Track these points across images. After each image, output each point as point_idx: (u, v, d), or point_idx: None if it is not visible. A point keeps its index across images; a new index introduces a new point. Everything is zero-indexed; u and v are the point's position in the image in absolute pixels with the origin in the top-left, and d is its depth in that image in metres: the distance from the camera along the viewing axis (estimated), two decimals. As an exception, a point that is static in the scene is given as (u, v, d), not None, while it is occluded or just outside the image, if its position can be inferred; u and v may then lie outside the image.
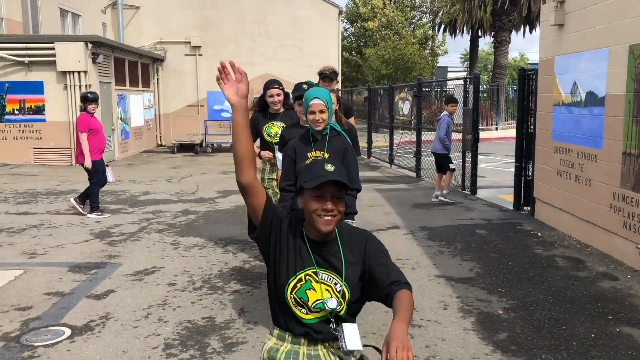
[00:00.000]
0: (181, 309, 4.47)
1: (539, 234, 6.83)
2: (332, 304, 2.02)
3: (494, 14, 25.59)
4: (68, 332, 4.05)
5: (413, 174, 11.98)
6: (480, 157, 9.94)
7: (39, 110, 13.82)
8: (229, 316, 4.33)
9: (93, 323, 4.21)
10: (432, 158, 9.47)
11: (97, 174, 7.89)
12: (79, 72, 13.48)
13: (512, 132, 11.38)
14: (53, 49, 13.42)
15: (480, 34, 30.58)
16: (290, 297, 2.04)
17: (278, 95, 5.12)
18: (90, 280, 5.17)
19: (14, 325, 4.16)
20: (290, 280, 2.03)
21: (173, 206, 8.64)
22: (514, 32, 27.46)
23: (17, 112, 13.85)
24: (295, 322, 2.08)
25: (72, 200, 8.16)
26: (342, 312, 2.05)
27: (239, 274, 5.34)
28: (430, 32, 30.72)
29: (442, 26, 32.58)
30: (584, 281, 5.10)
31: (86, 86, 13.54)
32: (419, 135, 11.85)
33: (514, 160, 8.48)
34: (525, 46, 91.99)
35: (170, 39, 18.96)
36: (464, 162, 9.83)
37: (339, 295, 2.03)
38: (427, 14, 31.19)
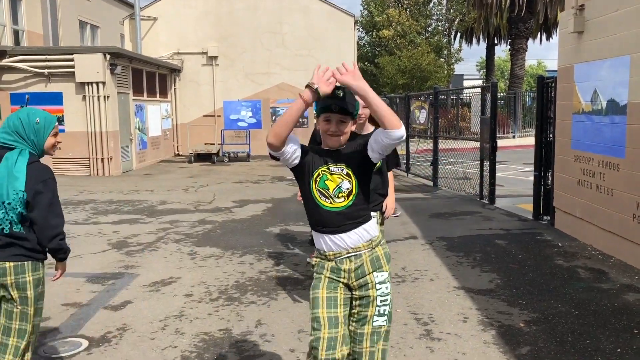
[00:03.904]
0: (198, 321, 4.45)
1: (560, 244, 6.72)
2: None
3: (510, 21, 25.45)
4: (85, 343, 4.05)
5: (430, 183, 11.89)
6: (498, 166, 9.83)
7: (58, 120, 13.92)
8: (245, 328, 4.30)
9: (110, 334, 4.20)
10: (449, 167, 9.38)
11: None
12: (97, 83, 13.64)
13: (530, 141, 11.22)
14: (72, 60, 13.59)
15: (496, 41, 30.42)
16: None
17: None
18: (108, 291, 5.18)
19: (32, 337, 4.17)
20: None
21: (190, 216, 8.65)
22: (530, 40, 27.26)
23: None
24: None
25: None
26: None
27: (255, 285, 5.31)
28: (444, 40, 30.62)
29: (458, 34, 32.47)
30: (608, 293, 4.98)
31: (104, 97, 13.69)
32: (435, 144, 11.78)
33: (532, 169, 8.37)
34: (542, 53, 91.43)
35: (187, 50, 19.12)
36: (482, 170, 9.74)
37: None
38: (443, 22, 31.10)
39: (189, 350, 3.92)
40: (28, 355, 2.97)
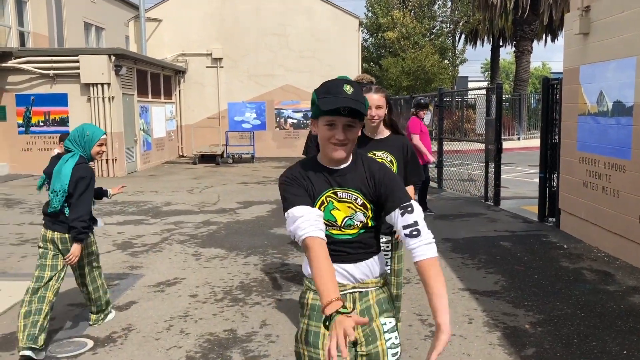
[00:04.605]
0: (203, 321, 4.45)
1: (565, 246, 6.70)
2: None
3: (515, 23, 25.41)
4: (90, 343, 4.05)
5: (435, 185, 11.87)
6: (502, 168, 9.81)
7: (63, 122, 14.04)
8: (250, 329, 4.30)
9: (115, 335, 4.20)
10: (454, 169, 9.38)
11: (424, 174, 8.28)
12: (102, 84, 13.68)
13: (535, 142, 11.16)
14: (77, 61, 13.65)
15: (501, 43, 30.39)
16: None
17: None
18: (113, 292, 5.18)
19: (37, 336, 4.17)
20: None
21: (194, 217, 8.66)
22: (535, 41, 27.22)
23: (42, 124, 14.09)
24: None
25: None
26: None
27: (260, 286, 5.31)
28: (449, 41, 30.59)
29: (463, 36, 32.46)
30: (614, 295, 4.96)
31: (109, 98, 13.74)
32: (440, 146, 11.76)
33: (537, 171, 8.35)
34: (547, 55, 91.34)
35: (192, 51, 19.16)
36: (487, 172, 9.72)
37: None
38: (447, 24, 31.07)
39: (194, 351, 3.92)
40: (102, 278, 4.29)
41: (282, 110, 19.56)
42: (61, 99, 13.98)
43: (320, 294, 1.83)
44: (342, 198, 2.11)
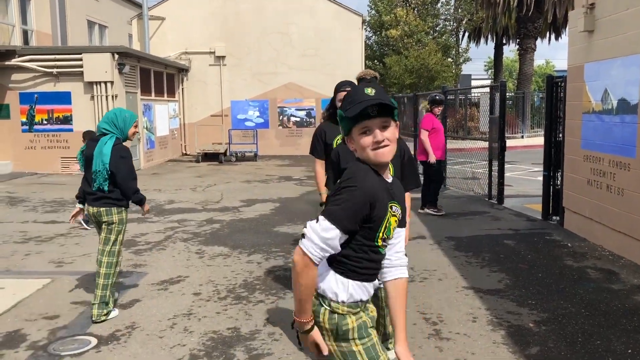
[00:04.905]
0: (206, 319, 4.45)
1: (569, 244, 6.67)
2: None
3: (518, 21, 25.33)
4: (94, 341, 4.06)
5: (438, 183, 11.85)
6: (506, 166, 9.78)
7: (67, 120, 14.05)
8: (254, 327, 4.30)
9: (119, 333, 4.21)
10: (457, 167, 9.35)
11: (438, 172, 8.49)
12: (105, 83, 13.69)
13: (539, 141, 11.09)
14: (80, 59, 13.65)
15: (504, 41, 30.29)
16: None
17: None
18: (116, 290, 5.18)
19: (42, 334, 4.18)
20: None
21: (198, 215, 8.66)
22: (539, 39, 27.13)
23: (45, 122, 14.11)
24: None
25: (425, 209, 8.53)
26: None
27: (263, 284, 5.30)
28: (452, 39, 30.53)
29: (466, 34, 32.37)
30: (618, 294, 4.95)
31: (112, 96, 13.74)
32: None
33: (540, 169, 8.33)
34: (550, 53, 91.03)
35: (195, 49, 19.15)
36: (490, 170, 9.69)
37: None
38: (451, 22, 31.00)
39: (198, 349, 3.92)
40: (117, 268, 4.57)
41: (285, 109, 19.54)
42: (64, 97, 13.99)
43: (305, 310, 2.03)
44: (394, 213, 2.11)
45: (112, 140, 4.35)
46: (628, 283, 5.24)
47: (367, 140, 2.01)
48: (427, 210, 8.55)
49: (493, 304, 4.74)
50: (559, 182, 7.83)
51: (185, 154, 19.36)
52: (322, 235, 1.95)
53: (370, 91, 1.99)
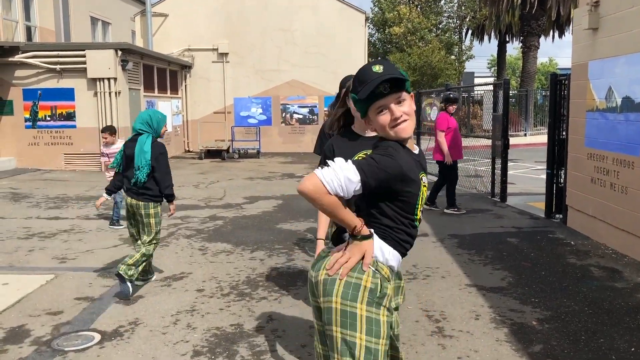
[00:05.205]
0: (209, 316, 4.46)
1: (572, 242, 6.67)
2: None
3: (522, 19, 25.28)
4: (98, 337, 4.07)
5: (441, 181, 11.84)
6: (509, 164, 9.77)
7: (70, 116, 14.07)
8: (257, 323, 4.30)
9: (122, 329, 4.22)
10: (460, 164, 9.33)
11: (452, 171, 8.46)
12: (108, 79, 13.70)
13: (541, 139, 11.04)
14: (84, 56, 13.67)
15: (508, 38, 30.25)
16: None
17: None
18: (120, 286, 5.19)
19: (45, 330, 4.20)
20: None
21: (201, 212, 8.67)
22: (542, 37, 27.07)
23: (48, 119, 14.14)
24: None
25: (445, 210, 8.50)
26: None
27: (266, 281, 5.31)
28: (455, 37, 30.48)
29: (470, 31, 32.32)
30: (622, 292, 4.94)
31: (116, 93, 13.76)
32: (446, 142, 11.69)
33: (543, 167, 8.32)
34: (553, 51, 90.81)
35: (198, 46, 19.15)
36: (493, 168, 9.68)
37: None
38: (454, 19, 30.95)
39: (201, 345, 3.93)
40: (152, 251, 5.05)
41: (287, 106, 19.54)
42: (68, 94, 14.01)
43: (349, 221, 1.99)
44: (425, 183, 2.15)
45: (150, 139, 4.84)
46: (631, 281, 5.23)
47: (385, 119, 2.00)
48: (448, 210, 8.51)
49: (496, 301, 4.73)
50: (562, 180, 7.81)
51: (188, 151, 19.38)
52: (345, 174, 1.91)
53: (378, 68, 1.97)
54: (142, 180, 4.79)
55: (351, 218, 2.00)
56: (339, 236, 2.19)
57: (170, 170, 4.97)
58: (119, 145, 7.82)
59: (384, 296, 2.06)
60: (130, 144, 4.89)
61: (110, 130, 7.94)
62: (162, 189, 4.89)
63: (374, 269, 2.06)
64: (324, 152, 3.08)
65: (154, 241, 5.02)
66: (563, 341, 3.95)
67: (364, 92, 1.97)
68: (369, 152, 2.79)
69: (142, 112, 5.00)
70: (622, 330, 4.11)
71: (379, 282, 2.05)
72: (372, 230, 2.06)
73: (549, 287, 5.09)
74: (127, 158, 4.91)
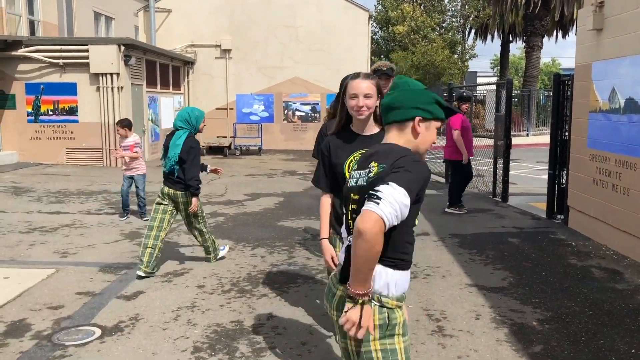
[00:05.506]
0: (210, 312, 4.46)
1: (573, 243, 6.66)
2: None
3: (526, 18, 25.23)
4: (98, 332, 4.07)
5: (442, 180, 11.84)
6: (511, 164, 9.76)
7: (72, 111, 14.07)
8: (257, 320, 4.30)
9: (123, 324, 4.22)
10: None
11: (461, 170, 8.47)
12: (111, 74, 13.70)
13: (544, 139, 11.01)
14: (87, 51, 13.66)
15: (511, 38, 30.19)
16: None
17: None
18: (120, 281, 5.21)
19: (46, 324, 4.20)
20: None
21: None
22: (546, 37, 27.01)
23: (51, 113, 14.14)
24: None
25: (446, 210, 8.50)
26: None
27: (267, 278, 5.31)
28: (459, 36, 30.42)
29: (473, 30, 32.27)
30: (622, 294, 4.94)
31: (118, 88, 13.75)
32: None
33: (545, 167, 8.30)
34: (556, 51, 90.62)
35: (201, 42, 19.13)
36: (495, 168, 9.67)
37: None
38: (457, 18, 30.88)
39: (201, 341, 3.93)
40: (211, 237, 5.74)
41: (290, 103, 19.52)
42: (70, 88, 14.01)
43: (369, 279, 2.00)
44: None
45: (186, 134, 5.28)
46: (632, 283, 5.23)
47: (435, 137, 2.16)
48: (450, 210, 8.50)
49: (496, 301, 4.73)
50: (564, 181, 7.81)
51: (190, 147, 19.36)
52: (401, 201, 1.89)
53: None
54: (173, 171, 5.24)
55: (370, 277, 1.97)
56: (345, 274, 2.10)
57: (198, 163, 5.30)
58: (133, 138, 7.89)
59: (394, 326, 2.07)
60: (168, 137, 5.38)
61: (122, 123, 7.94)
62: (186, 180, 5.21)
63: (379, 306, 2.05)
64: (321, 151, 3.04)
65: (204, 218, 5.59)
66: (563, 342, 3.95)
67: (448, 111, 2.18)
68: (363, 151, 2.70)
69: (181, 110, 5.47)
70: (622, 332, 4.11)
71: (386, 315, 2.06)
72: (371, 290, 2.00)
73: (549, 287, 5.09)
74: (165, 150, 5.41)
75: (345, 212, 2.24)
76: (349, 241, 2.11)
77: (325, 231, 2.99)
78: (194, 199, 5.31)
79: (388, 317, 2.06)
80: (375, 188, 1.91)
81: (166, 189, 5.32)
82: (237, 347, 3.85)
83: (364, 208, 1.89)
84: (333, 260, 2.90)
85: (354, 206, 2.13)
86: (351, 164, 2.88)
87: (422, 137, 2.13)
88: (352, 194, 2.16)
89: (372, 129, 2.94)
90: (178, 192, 5.29)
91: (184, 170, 5.21)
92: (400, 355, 2.08)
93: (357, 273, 1.93)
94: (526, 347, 3.87)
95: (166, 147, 5.36)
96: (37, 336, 3.99)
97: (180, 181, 5.26)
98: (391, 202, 1.87)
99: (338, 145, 2.95)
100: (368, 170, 2.09)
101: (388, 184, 1.90)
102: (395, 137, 2.16)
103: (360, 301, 1.99)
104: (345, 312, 2.02)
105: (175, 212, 5.44)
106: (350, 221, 2.15)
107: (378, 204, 1.87)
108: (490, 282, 5.22)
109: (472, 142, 8.68)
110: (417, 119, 2.12)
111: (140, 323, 4.24)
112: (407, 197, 1.91)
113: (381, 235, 1.87)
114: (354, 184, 2.15)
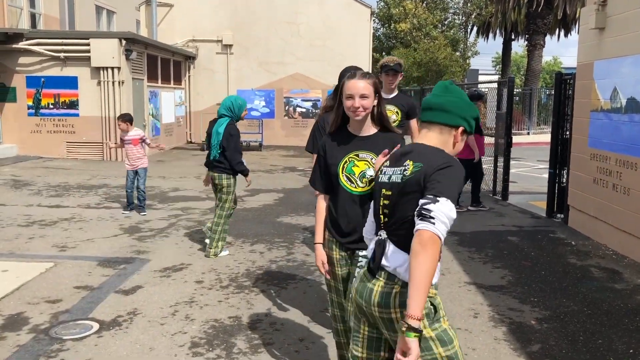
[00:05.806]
0: (208, 307, 4.46)
1: (573, 242, 6.65)
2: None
3: (528, 17, 25.18)
4: (96, 326, 4.07)
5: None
6: (511, 162, 9.74)
7: (73, 105, 14.05)
8: (255, 316, 4.30)
9: (121, 318, 4.22)
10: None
11: (478, 168, 8.49)
12: (112, 68, 13.67)
13: (545, 137, 10.99)
14: (88, 44, 13.62)
15: (513, 36, 30.12)
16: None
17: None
18: (119, 275, 5.20)
19: (43, 318, 4.20)
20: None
21: (202, 203, 8.67)
22: (548, 36, 26.96)
23: (51, 107, 14.11)
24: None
25: (470, 208, 8.50)
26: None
27: (266, 274, 5.31)
28: (461, 33, 30.35)
29: (475, 28, 32.21)
30: (621, 293, 4.93)
31: (119, 82, 13.72)
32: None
33: (545, 166, 8.29)
34: (558, 50, 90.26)
35: (202, 37, 19.08)
36: (495, 166, 9.66)
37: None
38: (460, 16, 30.81)
39: (199, 337, 3.93)
40: (228, 219, 5.99)
41: (291, 99, 19.49)
42: (71, 82, 13.98)
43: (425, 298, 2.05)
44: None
45: (227, 122, 5.66)
46: (631, 283, 5.22)
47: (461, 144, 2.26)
48: (469, 208, 8.49)
49: (495, 300, 4.73)
50: (564, 180, 7.79)
51: (191, 142, 19.36)
52: (451, 216, 1.98)
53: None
54: (215, 157, 5.68)
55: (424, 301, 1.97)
56: (376, 265, 2.22)
57: (239, 149, 5.71)
58: (134, 133, 7.90)
59: (438, 311, 2.17)
60: (212, 124, 5.79)
61: (124, 117, 7.95)
62: (232, 165, 5.69)
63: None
64: (318, 152, 2.99)
65: (226, 206, 5.85)
66: (561, 341, 3.94)
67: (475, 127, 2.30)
68: (359, 153, 2.84)
69: (225, 98, 5.85)
70: (620, 332, 4.10)
71: (429, 304, 2.14)
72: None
73: (548, 286, 5.08)
74: (208, 136, 5.82)
75: (375, 206, 2.29)
76: (380, 235, 2.21)
77: (319, 236, 2.98)
78: (247, 178, 5.94)
79: (431, 305, 2.15)
80: (427, 207, 1.97)
81: (210, 172, 5.82)
82: (235, 342, 3.84)
83: (419, 227, 1.96)
84: (324, 266, 2.95)
85: (385, 201, 2.20)
86: (345, 165, 2.84)
87: (457, 146, 2.24)
88: (383, 190, 2.23)
89: (370, 129, 2.88)
90: (215, 173, 5.76)
91: (225, 156, 5.66)
92: (450, 333, 2.18)
93: (417, 293, 1.92)
94: (524, 345, 3.87)
95: (209, 134, 5.78)
96: (35, 330, 3.99)
97: (218, 165, 5.71)
98: (444, 222, 1.96)
99: (334, 146, 2.90)
100: (403, 167, 2.16)
101: (438, 200, 1.97)
102: (434, 138, 2.22)
103: (418, 333, 1.93)
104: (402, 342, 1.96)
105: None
106: (381, 215, 2.22)
107: (434, 224, 1.95)
108: (489, 281, 5.21)
109: (482, 141, 8.68)
110: (461, 128, 2.22)
111: (138, 318, 4.24)
112: (454, 209, 2.01)
113: (439, 252, 1.97)
114: (387, 180, 2.22)
